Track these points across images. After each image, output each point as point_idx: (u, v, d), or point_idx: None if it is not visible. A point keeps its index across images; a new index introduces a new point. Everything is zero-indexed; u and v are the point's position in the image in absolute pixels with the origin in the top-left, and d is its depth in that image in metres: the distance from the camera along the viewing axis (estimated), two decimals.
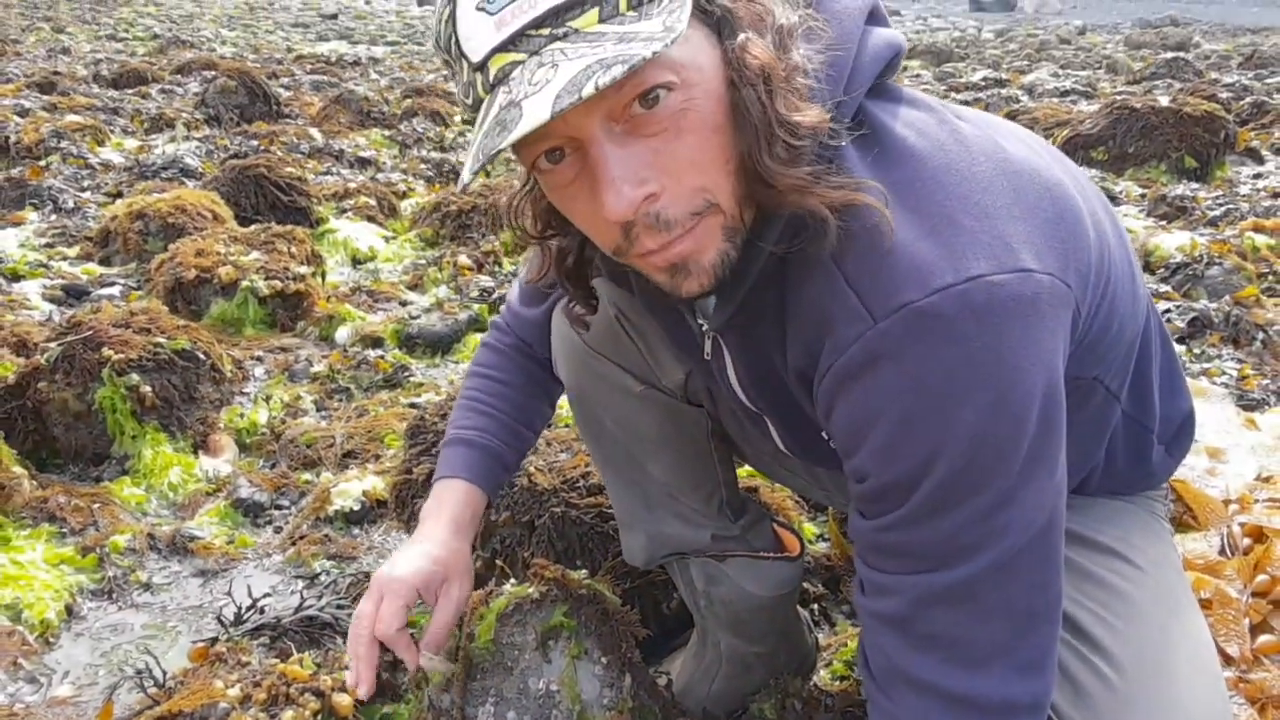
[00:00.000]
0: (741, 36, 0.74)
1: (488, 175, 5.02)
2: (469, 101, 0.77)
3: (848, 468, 0.83)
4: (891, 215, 0.76)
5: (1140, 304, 0.95)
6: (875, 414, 0.76)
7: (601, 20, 0.70)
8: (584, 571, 1.42)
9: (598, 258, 0.99)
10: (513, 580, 1.39)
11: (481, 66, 0.73)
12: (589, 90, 0.65)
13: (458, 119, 6.41)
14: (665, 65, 0.70)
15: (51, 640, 1.64)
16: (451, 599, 1.12)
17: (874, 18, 0.85)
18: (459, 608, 1.13)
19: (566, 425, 1.81)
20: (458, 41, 0.74)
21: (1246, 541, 1.69)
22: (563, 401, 2.14)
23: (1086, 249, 0.80)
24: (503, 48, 0.72)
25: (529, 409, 1.30)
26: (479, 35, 0.72)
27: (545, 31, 0.70)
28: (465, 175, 0.73)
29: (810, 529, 1.87)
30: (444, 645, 1.15)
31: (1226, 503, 1.84)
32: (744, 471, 1.58)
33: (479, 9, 0.72)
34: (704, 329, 0.97)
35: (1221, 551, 1.69)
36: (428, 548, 1.13)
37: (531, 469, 1.60)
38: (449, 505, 1.18)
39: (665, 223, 0.75)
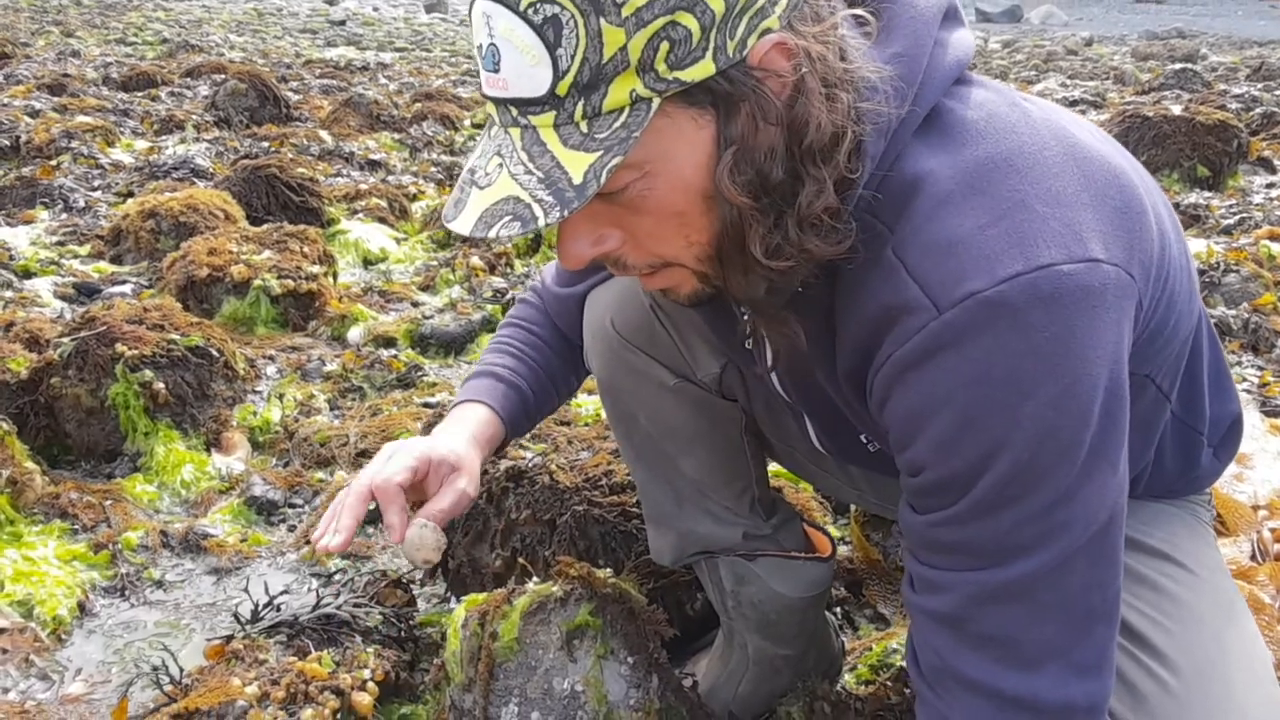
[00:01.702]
0: (728, 154, 0.72)
1: None
2: None
3: (902, 460, 0.81)
4: (959, 202, 0.74)
5: (1195, 302, 0.93)
6: (936, 405, 0.74)
7: (556, 125, 0.71)
8: (608, 570, 1.40)
9: None
10: (535, 579, 1.37)
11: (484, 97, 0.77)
12: (493, 234, 0.72)
13: (467, 123, 6.41)
14: (628, 166, 0.72)
15: (64, 637, 1.62)
16: (456, 489, 1.05)
17: (948, 18, 0.83)
18: (462, 502, 1.06)
19: (587, 424, 1.79)
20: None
21: (1277, 547, 1.66)
22: (584, 399, 2.13)
23: (1150, 241, 0.78)
24: (491, 98, 0.75)
25: (560, 370, 1.28)
26: (481, 72, 0.75)
27: (514, 112, 0.73)
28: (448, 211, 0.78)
29: (833, 531, 1.85)
30: (439, 524, 1.04)
31: (1255, 508, 1.81)
32: (770, 470, 1.56)
33: (480, 51, 0.74)
34: (746, 317, 0.95)
35: (1252, 557, 1.67)
36: (444, 441, 1.09)
37: (553, 467, 1.58)
38: (469, 422, 1.14)
39: (623, 265, 0.81)
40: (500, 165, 0.74)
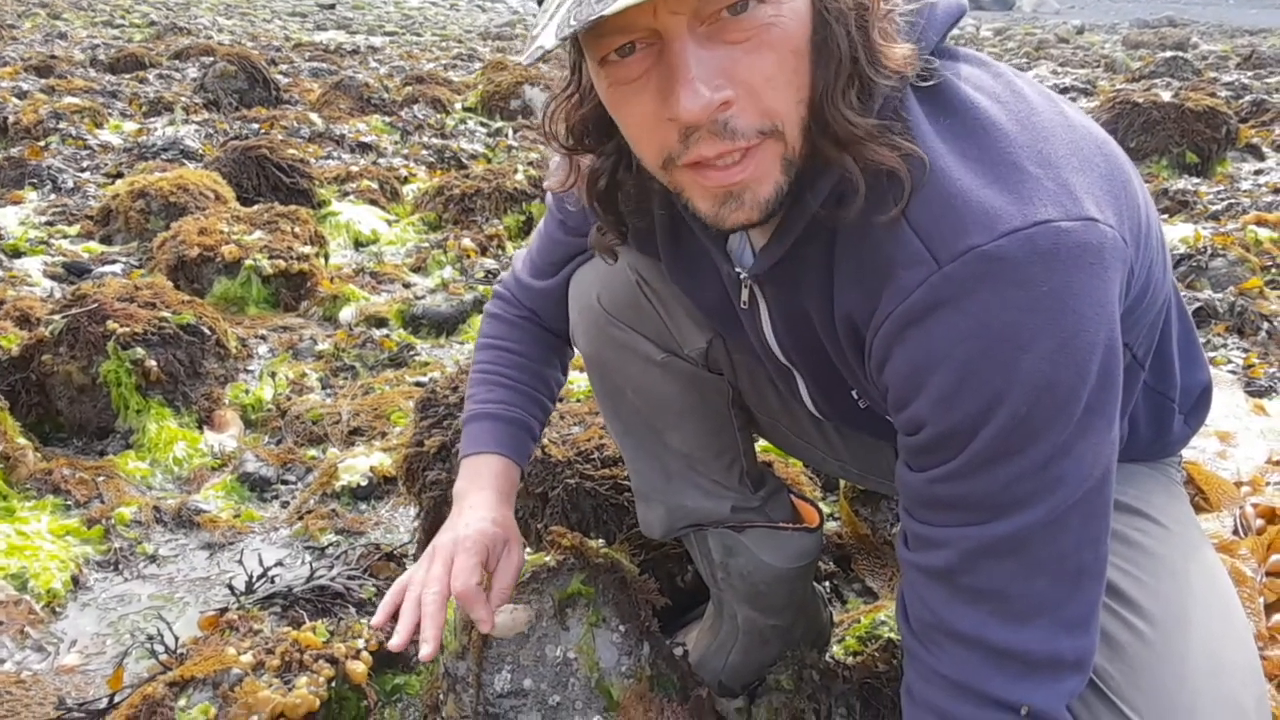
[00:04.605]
0: None
1: (489, 160, 4.99)
2: None
3: (900, 420, 0.82)
4: (956, 163, 0.75)
5: (1168, 273, 0.94)
6: (936, 360, 0.75)
7: None
8: (600, 541, 1.42)
9: (628, 186, 0.94)
10: (529, 549, 1.38)
11: None
12: None
13: (458, 106, 6.39)
14: None
15: (58, 610, 1.63)
16: (513, 560, 1.11)
17: None
18: (519, 569, 1.13)
19: (579, 400, 1.80)
20: None
21: (1260, 522, 1.69)
22: (575, 376, 2.14)
23: (1136, 208, 0.80)
24: None
25: (546, 378, 1.28)
26: None
27: None
28: (549, 40, 0.68)
29: (823, 507, 1.87)
30: (509, 598, 1.14)
31: (1238, 484, 1.83)
32: (758, 447, 1.57)
33: None
34: (741, 276, 0.96)
35: (1235, 532, 1.69)
36: (483, 513, 1.11)
37: (546, 441, 1.59)
38: (488, 478, 1.16)
39: (731, 131, 0.73)
40: None
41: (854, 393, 1.00)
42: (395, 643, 1.00)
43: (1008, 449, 0.74)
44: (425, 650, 0.99)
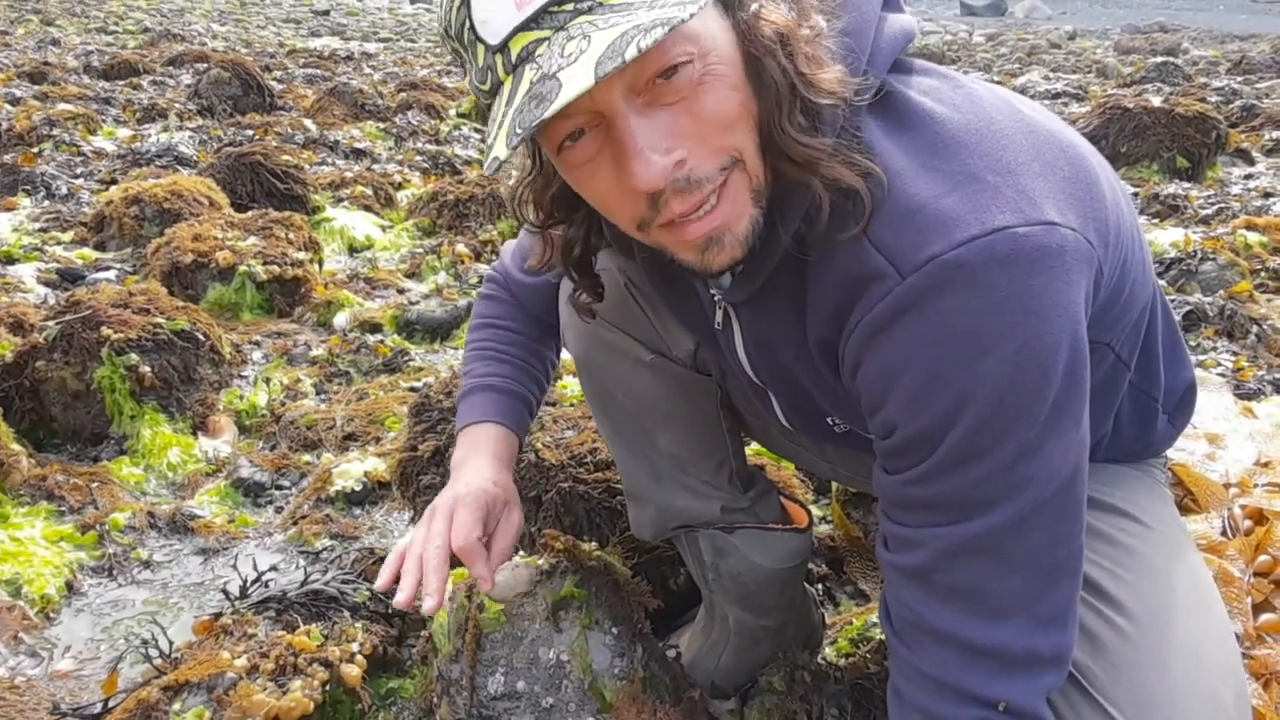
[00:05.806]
0: (754, 6, 0.75)
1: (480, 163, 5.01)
2: (486, 86, 0.76)
3: (874, 424, 0.83)
4: (914, 176, 0.76)
5: (1149, 272, 0.95)
6: (902, 366, 0.77)
7: None
8: (594, 544, 1.42)
9: (607, 236, 0.98)
10: (522, 552, 1.39)
11: (502, 48, 0.73)
12: (632, 53, 0.65)
13: (452, 112, 6.40)
14: (684, 37, 0.71)
15: (52, 615, 1.63)
16: (512, 522, 1.11)
17: (889, 3, 0.86)
18: (519, 531, 1.13)
19: (573, 404, 1.81)
20: (472, 26, 0.74)
21: (1247, 523, 1.70)
22: (569, 380, 2.15)
23: (1104, 210, 0.80)
24: (525, 26, 0.71)
25: (543, 356, 1.30)
26: (498, 16, 0.72)
27: (570, 6, 0.70)
28: (501, 151, 0.70)
29: (815, 510, 1.88)
30: (508, 559, 1.14)
31: (1226, 486, 1.85)
32: (750, 450, 1.58)
33: None
34: (716, 299, 0.97)
35: (1223, 533, 1.70)
36: (484, 474, 1.11)
37: (539, 445, 1.60)
38: (486, 445, 1.17)
39: (695, 182, 0.74)
40: (585, 39, 0.68)
41: (829, 419, 1.01)
42: (400, 600, 0.99)
43: (975, 450, 0.76)
44: (429, 604, 0.98)
